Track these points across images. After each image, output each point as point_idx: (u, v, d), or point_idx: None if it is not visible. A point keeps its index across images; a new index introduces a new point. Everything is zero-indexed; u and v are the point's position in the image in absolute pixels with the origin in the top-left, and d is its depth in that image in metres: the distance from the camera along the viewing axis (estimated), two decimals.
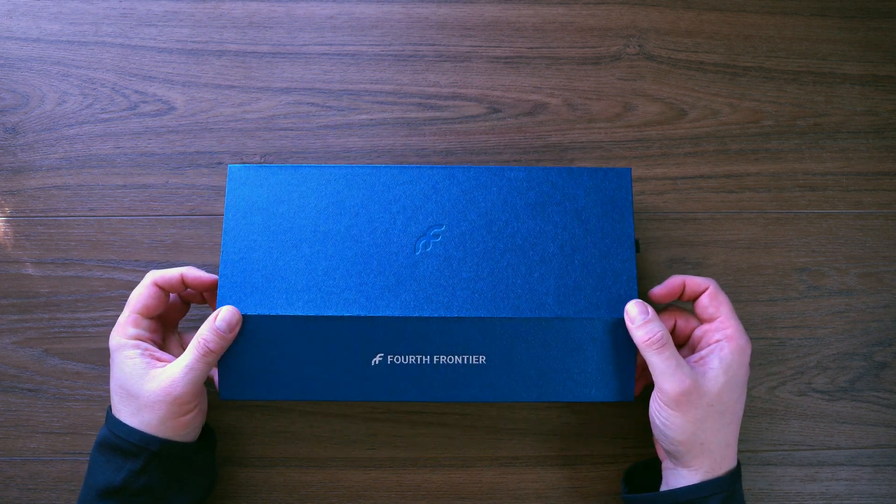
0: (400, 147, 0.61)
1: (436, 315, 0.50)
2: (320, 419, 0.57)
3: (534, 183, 0.52)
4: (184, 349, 0.53)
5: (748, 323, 0.59)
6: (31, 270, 0.58)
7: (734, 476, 0.48)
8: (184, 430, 0.49)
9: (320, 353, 0.51)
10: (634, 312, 0.49)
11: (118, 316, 0.51)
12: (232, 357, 0.50)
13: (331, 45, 0.62)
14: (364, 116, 0.61)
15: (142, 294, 0.51)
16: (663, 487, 0.50)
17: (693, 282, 0.51)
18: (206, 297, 0.54)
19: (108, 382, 0.56)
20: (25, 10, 0.62)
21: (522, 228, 0.52)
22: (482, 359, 0.51)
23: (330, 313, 0.50)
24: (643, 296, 0.54)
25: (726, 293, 0.58)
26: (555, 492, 0.57)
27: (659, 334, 0.48)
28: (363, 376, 0.51)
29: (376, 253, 0.51)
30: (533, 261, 0.51)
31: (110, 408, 0.50)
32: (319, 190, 0.52)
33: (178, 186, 0.60)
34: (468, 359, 0.51)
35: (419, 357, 0.51)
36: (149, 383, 0.48)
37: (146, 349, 0.49)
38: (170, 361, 0.49)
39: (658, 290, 0.52)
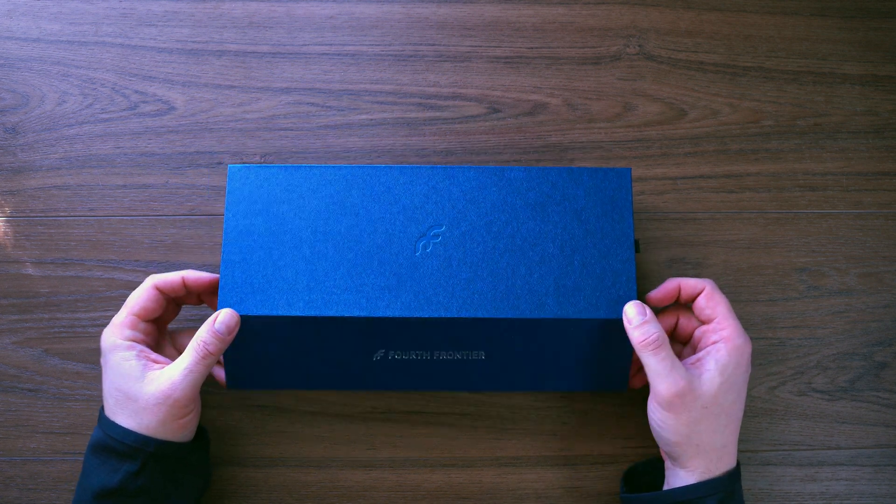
0: (400, 147, 0.61)
1: (436, 315, 0.50)
2: (320, 419, 0.57)
3: (534, 183, 0.52)
4: (176, 350, 0.54)
5: (748, 323, 0.59)
6: (31, 270, 0.58)
7: (732, 477, 0.48)
8: (182, 431, 0.49)
9: (322, 349, 0.52)
10: (632, 313, 0.49)
11: None
12: (235, 351, 0.51)
13: (331, 45, 0.62)
14: (364, 116, 0.61)
15: (141, 297, 0.51)
16: (665, 487, 0.50)
17: (688, 284, 0.51)
18: (203, 298, 0.54)
19: None
20: (25, 10, 0.62)
21: (522, 229, 0.52)
22: (481, 354, 0.52)
23: (330, 314, 0.50)
24: (642, 297, 0.54)
25: (726, 293, 0.58)
26: (555, 492, 0.57)
27: (655, 335, 0.48)
28: (365, 369, 0.53)
29: (377, 253, 0.51)
30: (533, 261, 0.51)
31: (102, 409, 0.50)
32: (320, 190, 0.52)
33: (178, 186, 0.60)
34: (468, 354, 0.52)
35: (419, 353, 0.52)
36: (148, 386, 0.48)
37: (141, 351, 0.49)
38: (165, 363, 0.49)
39: (654, 294, 0.53)
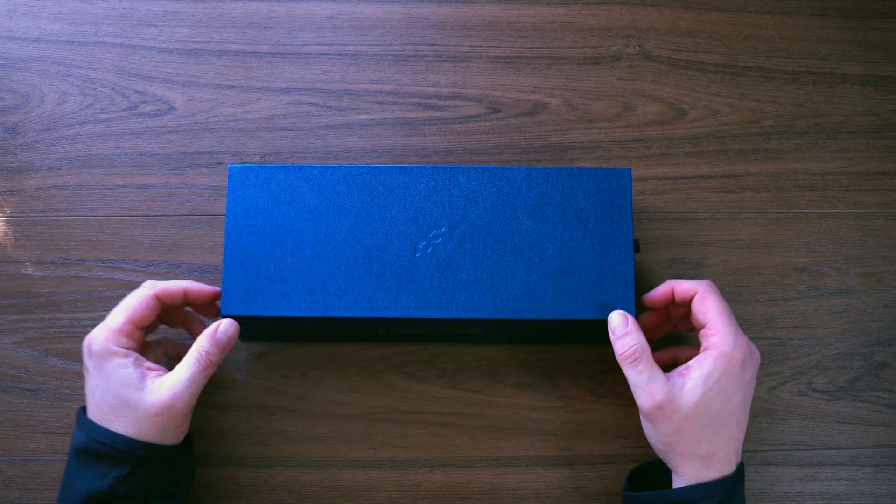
0: (400, 147, 0.61)
1: (436, 316, 0.50)
2: (320, 419, 0.57)
3: (533, 183, 0.52)
4: (159, 358, 0.53)
5: (748, 323, 0.59)
6: (31, 270, 0.58)
7: (732, 480, 0.48)
8: (178, 437, 0.49)
9: (324, 334, 0.56)
10: (615, 324, 0.50)
11: None
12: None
13: (331, 45, 0.62)
14: (364, 116, 0.61)
15: (141, 304, 0.50)
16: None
17: (682, 287, 0.51)
18: (200, 309, 0.54)
19: None
20: (25, 10, 0.62)
21: (522, 229, 0.52)
22: (480, 331, 0.55)
23: (331, 315, 0.50)
24: (639, 299, 0.54)
25: (726, 293, 0.58)
26: (555, 492, 0.57)
27: (632, 349, 0.48)
28: (369, 338, 0.57)
29: (377, 254, 0.51)
30: (532, 262, 0.51)
31: (82, 411, 0.49)
32: (320, 191, 0.52)
33: (178, 186, 0.60)
34: (466, 329, 0.54)
35: (420, 330, 0.54)
36: (149, 395, 0.47)
37: (137, 358, 0.49)
38: (160, 371, 0.49)
39: (649, 297, 0.53)
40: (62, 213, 0.59)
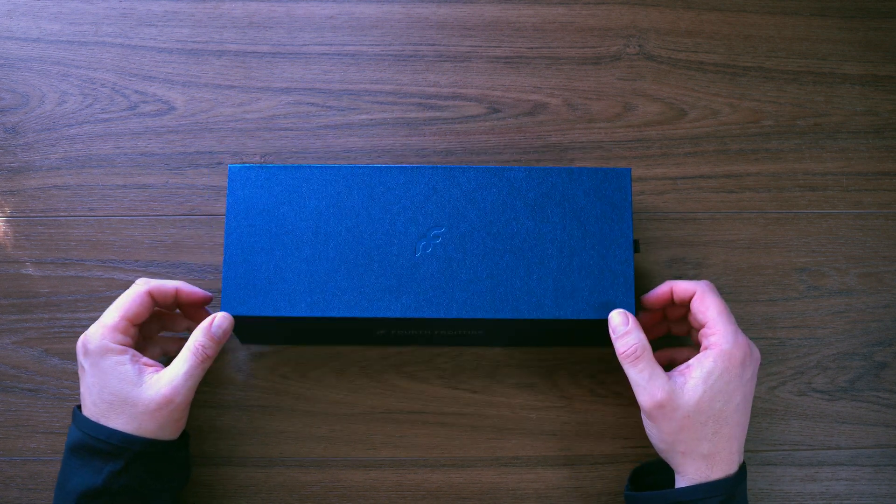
0: (400, 147, 0.61)
1: (436, 317, 0.50)
2: (320, 419, 0.57)
3: (533, 183, 0.52)
4: (157, 356, 0.54)
5: (748, 323, 0.59)
6: (31, 270, 0.58)
7: (734, 480, 0.48)
8: (176, 432, 0.49)
9: (324, 334, 0.56)
10: (615, 323, 0.50)
11: None
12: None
13: (331, 45, 0.62)
14: (364, 116, 0.61)
15: (135, 301, 0.50)
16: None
17: (680, 287, 0.51)
18: (188, 312, 0.54)
19: None
20: (25, 10, 0.62)
21: (522, 229, 0.52)
22: (480, 332, 0.54)
23: (332, 315, 0.50)
24: (639, 299, 0.54)
25: (726, 293, 0.59)
26: (555, 492, 0.57)
27: (633, 347, 0.48)
28: (367, 339, 0.57)
29: (377, 254, 0.51)
30: (532, 262, 0.51)
31: (77, 409, 0.50)
32: (320, 191, 0.52)
33: (178, 186, 0.60)
34: (466, 332, 0.54)
35: (420, 331, 0.54)
36: (148, 390, 0.47)
37: (134, 354, 0.49)
38: (157, 367, 0.49)
39: (648, 297, 0.53)
40: (62, 213, 0.59)
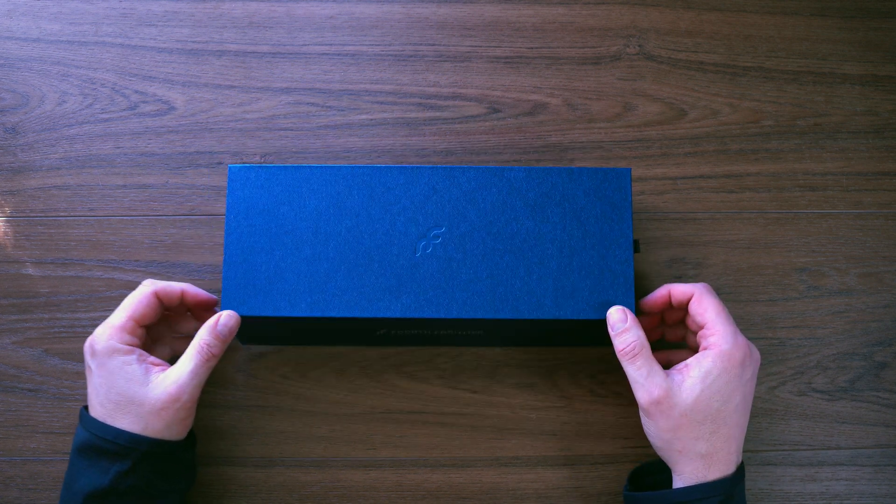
0: (400, 147, 0.61)
1: (436, 317, 0.50)
2: (320, 419, 0.57)
3: (533, 183, 0.52)
4: (165, 357, 0.54)
5: (748, 323, 0.59)
6: (31, 270, 0.58)
7: (732, 481, 0.48)
8: (183, 432, 0.49)
9: (324, 334, 0.56)
10: (614, 319, 0.50)
11: None
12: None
13: (331, 45, 0.62)
14: (364, 116, 0.61)
15: (141, 302, 0.50)
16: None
17: (678, 290, 0.51)
18: (195, 314, 0.54)
19: None
20: (25, 10, 0.62)
21: (522, 229, 0.52)
22: (479, 332, 0.54)
23: (332, 315, 0.50)
24: (639, 298, 0.54)
25: (726, 293, 0.59)
26: (555, 492, 0.57)
27: (632, 344, 0.48)
28: (367, 340, 0.57)
29: (377, 254, 0.51)
30: (532, 262, 0.51)
31: (85, 410, 0.50)
32: (320, 191, 0.52)
33: (178, 186, 0.60)
34: (466, 332, 0.54)
35: (420, 331, 0.54)
36: (154, 389, 0.47)
37: (141, 354, 0.49)
38: (164, 366, 0.49)
39: (646, 301, 0.53)
40: (62, 213, 0.59)
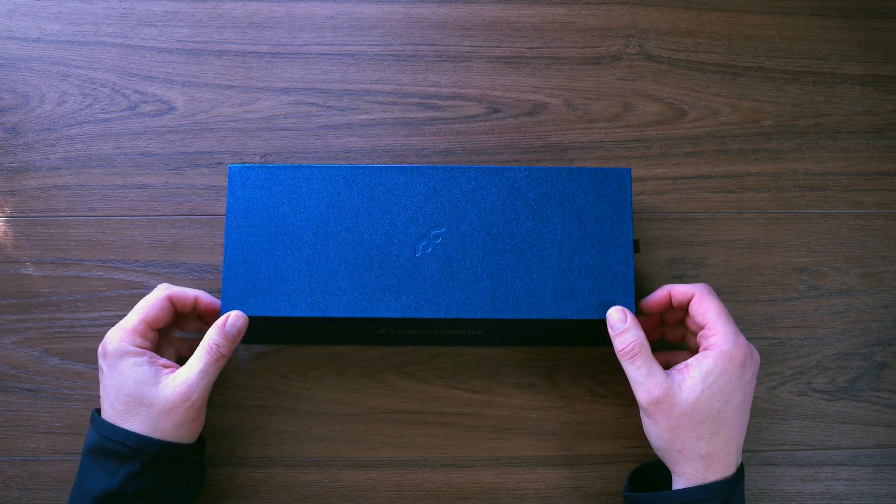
0: (400, 147, 0.61)
1: (436, 317, 0.50)
2: (320, 419, 0.57)
3: (533, 183, 0.52)
4: (173, 358, 0.54)
5: (748, 323, 0.59)
6: (31, 270, 0.58)
7: (731, 483, 0.48)
8: (193, 434, 0.49)
9: (324, 333, 0.56)
10: (614, 320, 0.50)
11: (118, 316, 0.51)
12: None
13: (331, 45, 0.62)
14: (364, 116, 0.61)
15: (155, 305, 0.50)
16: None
17: (679, 291, 0.51)
18: (206, 321, 0.54)
19: None
20: (25, 10, 0.62)
21: (522, 229, 0.52)
22: (479, 332, 0.54)
23: (332, 315, 0.50)
24: (640, 298, 0.54)
25: (726, 293, 0.59)
26: (555, 492, 0.57)
27: (631, 344, 0.48)
28: (367, 339, 0.57)
29: (377, 254, 0.51)
30: (532, 262, 0.51)
31: (96, 412, 0.50)
32: (320, 191, 0.52)
33: (178, 186, 0.60)
34: (466, 332, 0.54)
35: (420, 330, 0.54)
36: (164, 390, 0.48)
37: (152, 356, 0.49)
38: (174, 367, 0.49)
39: (646, 302, 0.53)
40: (62, 213, 0.59)
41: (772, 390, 0.58)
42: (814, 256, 0.60)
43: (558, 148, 0.61)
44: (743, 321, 0.58)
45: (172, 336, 0.55)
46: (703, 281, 0.59)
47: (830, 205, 0.61)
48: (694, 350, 0.53)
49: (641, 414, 0.49)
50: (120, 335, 0.49)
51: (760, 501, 0.57)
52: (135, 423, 0.48)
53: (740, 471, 0.49)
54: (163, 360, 0.50)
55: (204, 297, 0.53)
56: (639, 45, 0.63)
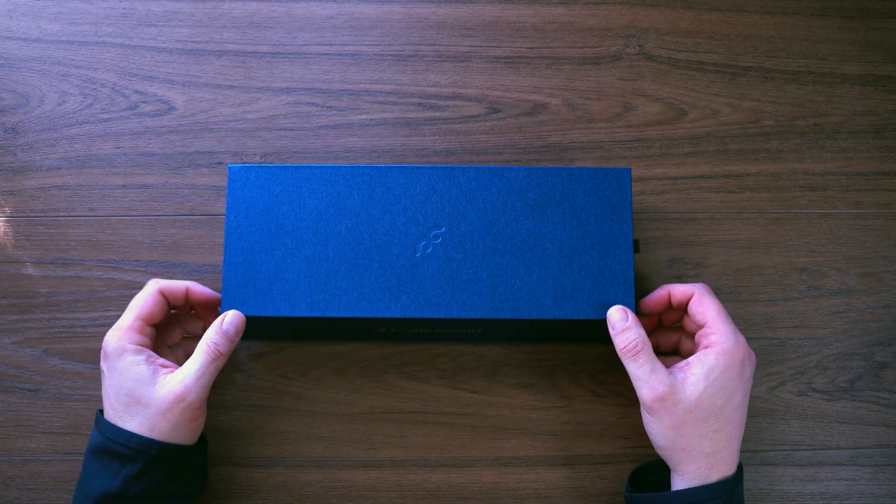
0: (400, 147, 0.61)
1: (436, 317, 0.50)
2: (320, 419, 0.57)
3: (534, 183, 0.52)
4: (180, 359, 0.54)
5: (748, 323, 0.59)
6: (31, 270, 0.58)
7: (732, 482, 0.48)
8: (192, 434, 0.49)
9: (324, 332, 0.56)
10: (614, 319, 0.50)
11: (118, 316, 0.51)
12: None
13: (331, 45, 0.62)
14: (364, 116, 0.61)
15: (148, 301, 0.50)
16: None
17: (678, 290, 0.52)
18: (199, 312, 0.54)
19: None
20: (25, 10, 0.62)
21: (522, 229, 0.52)
22: (479, 330, 0.54)
23: (332, 315, 0.50)
24: (639, 299, 0.54)
25: (726, 293, 0.59)
26: (555, 492, 0.57)
27: (634, 342, 0.48)
28: (368, 337, 0.57)
29: (377, 254, 0.51)
30: (532, 262, 0.51)
31: (100, 412, 0.50)
32: (320, 191, 0.52)
33: (178, 186, 0.60)
34: (466, 330, 0.54)
35: (420, 330, 0.54)
36: (160, 389, 0.47)
37: (150, 355, 0.49)
38: (173, 367, 0.49)
39: (646, 302, 0.53)
40: (62, 213, 0.59)
41: (772, 390, 0.58)
42: (814, 256, 0.60)
43: (558, 148, 0.61)
44: (743, 321, 0.58)
45: (176, 336, 0.55)
46: (703, 281, 0.59)
47: (830, 205, 0.61)
48: (688, 355, 0.53)
49: (643, 412, 0.49)
50: (118, 335, 0.49)
51: (760, 501, 0.57)
52: (133, 423, 0.48)
53: (740, 470, 0.49)
54: (162, 360, 0.50)
55: (195, 287, 0.52)
56: (639, 45, 0.63)
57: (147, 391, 0.47)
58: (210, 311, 0.54)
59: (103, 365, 0.49)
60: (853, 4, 0.64)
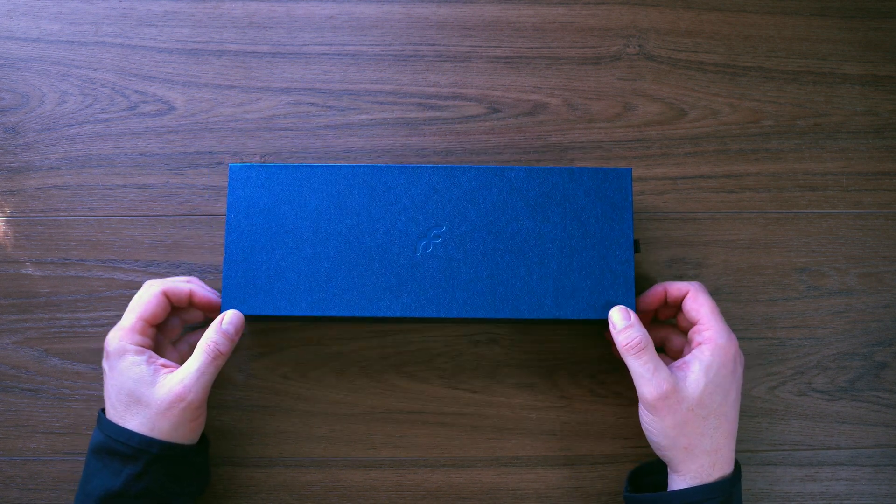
0: (400, 147, 0.61)
1: (436, 316, 0.51)
2: (320, 419, 0.57)
3: (534, 183, 0.52)
4: (183, 358, 0.53)
5: (748, 323, 0.59)
6: (31, 270, 0.58)
7: (731, 481, 0.48)
8: (193, 434, 0.49)
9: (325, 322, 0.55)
10: (616, 318, 0.50)
11: (118, 316, 0.51)
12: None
13: (331, 45, 0.62)
14: (364, 116, 0.61)
15: (150, 301, 0.50)
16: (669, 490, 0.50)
17: (674, 287, 0.52)
18: (203, 314, 0.54)
19: None
20: (25, 10, 0.62)
21: (522, 229, 0.52)
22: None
23: (332, 314, 0.51)
24: (638, 300, 0.54)
25: (726, 293, 0.59)
26: (555, 492, 0.57)
27: (637, 339, 0.48)
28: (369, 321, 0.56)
29: (378, 254, 0.51)
30: (532, 262, 0.51)
31: (102, 411, 0.50)
32: (320, 190, 0.52)
33: (178, 186, 0.60)
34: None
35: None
36: (160, 389, 0.48)
37: (151, 355, 0.49)
38: (173, 367, 0.49)
39: (643, 299, 0.53)
40: (62, 213, 0.59)
41: (772, 390, 0.58)
42: (814, 256, 0.60)
43: (558, 148, 0.61)
44: (743, 321, 0.58)
45: (176, 330, 0.55)
46: (704, 281, 0.59)
47: (830, 205, 0.61)
48: (674, 353, 0.53)
49: (643, 413, 0.49)
50: (119, 335, 0.49)
51: (760, 501, 0.57)
52: (134, 423, 0.48)
53: (738, 468, 0.49)
54: (162, 360, 0.50)
55: (199, 291, 0.52)
56: (639, 45, 0.63)
57: (147, 391, 0.48)
58: (213, 312, 0.54)
59: (105, 365, 0.50)
60: (853, 4, 0.64)
